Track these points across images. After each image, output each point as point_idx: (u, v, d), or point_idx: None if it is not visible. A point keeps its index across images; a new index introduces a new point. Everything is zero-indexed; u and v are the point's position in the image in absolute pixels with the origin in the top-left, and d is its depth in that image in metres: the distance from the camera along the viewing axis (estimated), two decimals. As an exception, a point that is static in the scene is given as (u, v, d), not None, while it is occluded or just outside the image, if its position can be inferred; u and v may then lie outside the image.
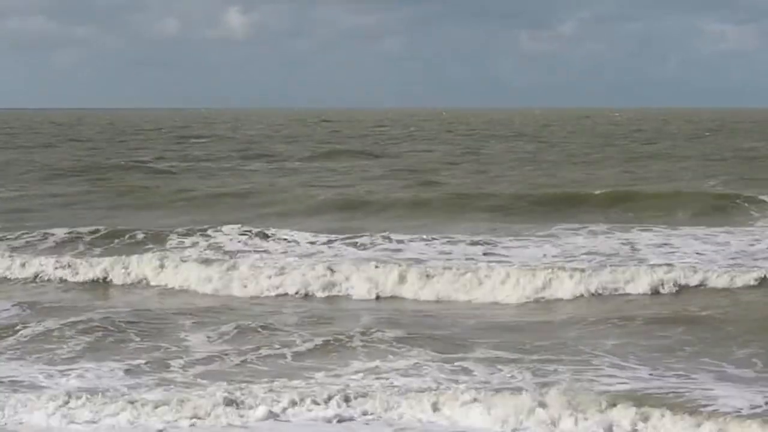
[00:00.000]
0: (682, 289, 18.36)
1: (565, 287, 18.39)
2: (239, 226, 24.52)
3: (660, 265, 19.36)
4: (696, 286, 18.44)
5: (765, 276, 18.54)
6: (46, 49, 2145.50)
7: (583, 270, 18.94)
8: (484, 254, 21.43)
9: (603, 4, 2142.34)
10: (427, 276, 19.01)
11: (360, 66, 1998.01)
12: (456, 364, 13.27)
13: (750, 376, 12.79)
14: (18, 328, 15.61)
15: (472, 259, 20.84)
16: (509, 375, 12.75)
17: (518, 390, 11.71)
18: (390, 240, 22.99)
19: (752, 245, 22.26)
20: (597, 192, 31.37)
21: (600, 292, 18.32)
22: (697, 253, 21.28)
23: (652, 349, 14.10)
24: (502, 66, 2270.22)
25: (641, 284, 18.48)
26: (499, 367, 13.07)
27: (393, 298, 18.75)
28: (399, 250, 22.07)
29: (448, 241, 22.80)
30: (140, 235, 23.80)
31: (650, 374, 12.79)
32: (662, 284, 18.45)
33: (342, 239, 23.29)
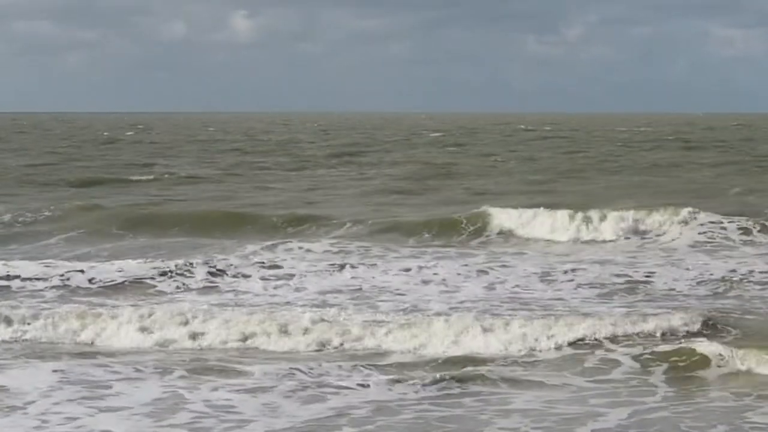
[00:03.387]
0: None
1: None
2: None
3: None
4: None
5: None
6: (55, 53, 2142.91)
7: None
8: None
9: (610, 8, 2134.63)
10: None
11: (366, 70, 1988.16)
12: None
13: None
14: None
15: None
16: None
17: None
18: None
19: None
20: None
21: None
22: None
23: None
24: (508, 70, 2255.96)
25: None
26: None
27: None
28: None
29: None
30: None
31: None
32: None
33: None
